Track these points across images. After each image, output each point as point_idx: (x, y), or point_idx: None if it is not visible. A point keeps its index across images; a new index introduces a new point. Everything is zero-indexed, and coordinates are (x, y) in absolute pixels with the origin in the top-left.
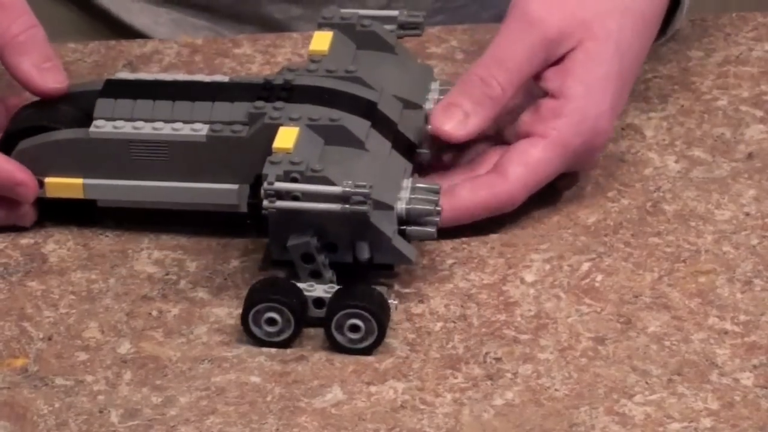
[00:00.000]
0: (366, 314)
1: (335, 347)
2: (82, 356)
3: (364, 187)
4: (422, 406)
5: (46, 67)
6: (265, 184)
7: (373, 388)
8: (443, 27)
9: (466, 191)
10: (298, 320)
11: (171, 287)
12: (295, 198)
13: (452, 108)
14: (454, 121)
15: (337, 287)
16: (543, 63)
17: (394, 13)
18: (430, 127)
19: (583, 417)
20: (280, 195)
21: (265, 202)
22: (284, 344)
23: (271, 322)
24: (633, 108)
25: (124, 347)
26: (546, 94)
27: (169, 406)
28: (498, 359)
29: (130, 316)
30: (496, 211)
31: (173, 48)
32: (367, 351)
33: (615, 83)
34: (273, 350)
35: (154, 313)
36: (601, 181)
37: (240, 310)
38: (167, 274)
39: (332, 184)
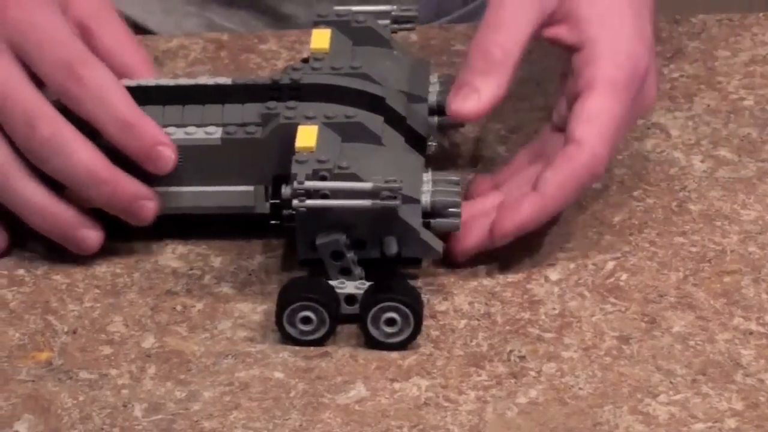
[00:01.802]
0: (403, 307)
1: (370, 342)
2: (107, 350)
3: (394, 182)
4: (446, 404)
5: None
6: (295, 184)
7: (396, 385)
8: (470, 24)
9: (549, 178)
10: (333, 318)
11: (195, 282)
12: (324, 196)
13: (463, 88)
14: (469, 99)
15: (368, 283)
16: (539, 15)
17: (388, 8)
18: (449, 113)
19: (607, 416)
20: (310, 194)
21: (295, 202)
22: (318, 342)
23: (306, 320)
24: (659, 107)
25: (149, 341)
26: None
27: (192, 401)
28: (522, 357)
29: (154, 311)
30: (588, 182)
31: (199, 44)
32: (402, 345)
33: (629, 10)
34: (297, 346)
35: (179, 307)
36: (626, 180)
37: (265, 306)
38: (191, 269)
39: (361, 180)
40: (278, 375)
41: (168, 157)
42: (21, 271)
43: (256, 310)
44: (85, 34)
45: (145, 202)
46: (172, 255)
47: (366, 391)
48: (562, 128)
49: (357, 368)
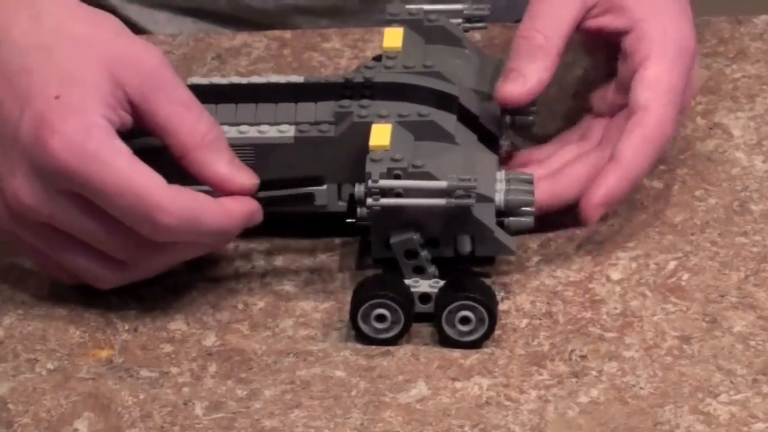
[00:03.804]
0: (478, 306)
1: (445, 341)
2: (167, 348)
3: (468, 180)
4: (507, 403)
5: (236, 165)
6: (370, 182)
7: (458, 384)
8: None
9: (625, 145)
10: (407, 317)
11: (257, 280)
12: (398, 195)
13: (509, 74)
14: (516, 83)
15: (442, 282)
16: (580, 8)
17: (460, 6)
18: (498, 100)
19: (668, 416)
20: (384, 192)
21: (369, 200)
22: (392, 341)
23: (381, 318)
24: (721, 107)
25: (210, 340)
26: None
27: (253, 399)
28: (583, 357)
29: (215, 309)
30: (660, 144)
31: (262, 41)
32: (476, 344)
33: (673, 3)
34: (358, 345)
35: (240, 306)
36: (688, 180)
37: (326, 304)
38: (253, 267)
39: (435, 179)
40: (339, 374)
41: (258, 213)
42: None
43: (318, 308)
44: (138, 115)
45: (257, 215)
46: (234, 253)
47: (427, 390)
48: (603, 114)
49: (418, 367)
